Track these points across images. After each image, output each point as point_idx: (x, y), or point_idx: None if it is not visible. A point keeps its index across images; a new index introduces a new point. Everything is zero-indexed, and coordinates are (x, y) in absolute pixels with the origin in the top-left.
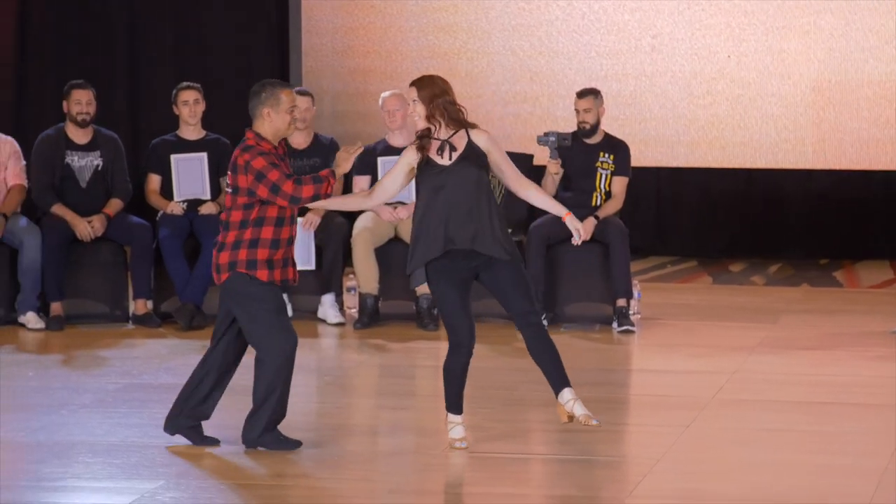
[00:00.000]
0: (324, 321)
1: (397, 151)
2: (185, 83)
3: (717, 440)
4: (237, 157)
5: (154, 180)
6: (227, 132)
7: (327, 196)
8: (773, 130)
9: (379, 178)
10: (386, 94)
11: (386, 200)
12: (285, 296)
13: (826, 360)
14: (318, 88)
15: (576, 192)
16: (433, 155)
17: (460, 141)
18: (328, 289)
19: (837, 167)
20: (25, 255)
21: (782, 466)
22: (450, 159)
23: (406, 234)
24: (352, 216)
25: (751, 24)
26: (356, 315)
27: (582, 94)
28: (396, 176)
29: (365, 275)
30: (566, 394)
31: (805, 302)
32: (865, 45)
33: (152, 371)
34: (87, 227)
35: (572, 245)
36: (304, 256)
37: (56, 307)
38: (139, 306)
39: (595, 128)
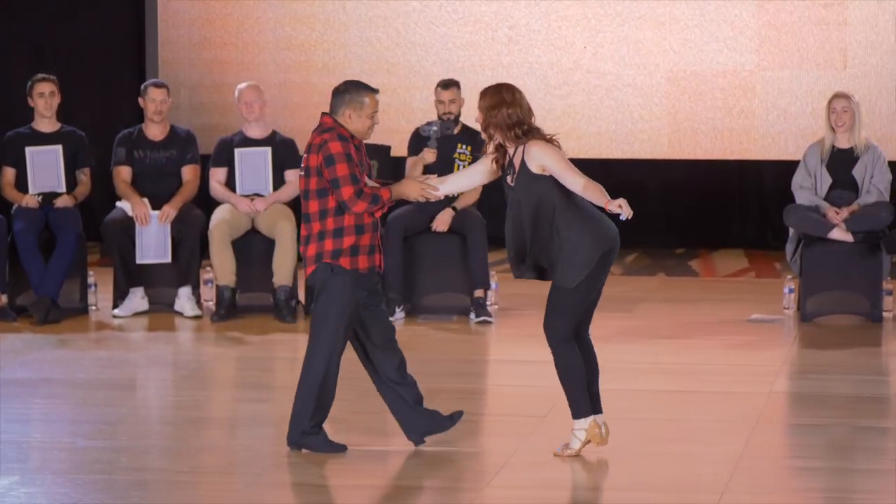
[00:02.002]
0: (181, 314)
1: (254, 143)
2: (40, 75)
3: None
4: (314, 137)
5: (8, 173)
6: (82, 124)
7: (376, 212)
8: (628, 121)
9: (236, 169)
10: (242, 85)
11: (453, 192)
12: (141, 289)
13: (683, 349)
14: (174, 80)
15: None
16: (505, 173)
17: (518, 159)
18: (185, 281)
19: (692, 157)
20: None
21: (639, 455)
22: (513, 179)
23: (264, 227)
24: (208, 209)
25: (607, 14)
26: (213, 307)
27: (446, 85)
28: (473, 172)
29: (222, 267)
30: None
31: (662, 291)
32: (720, 36)
33: (7, 365)
34: None
35: (430, 235)
36: (160, 249)
37: None
38: None
39: (456, 119)
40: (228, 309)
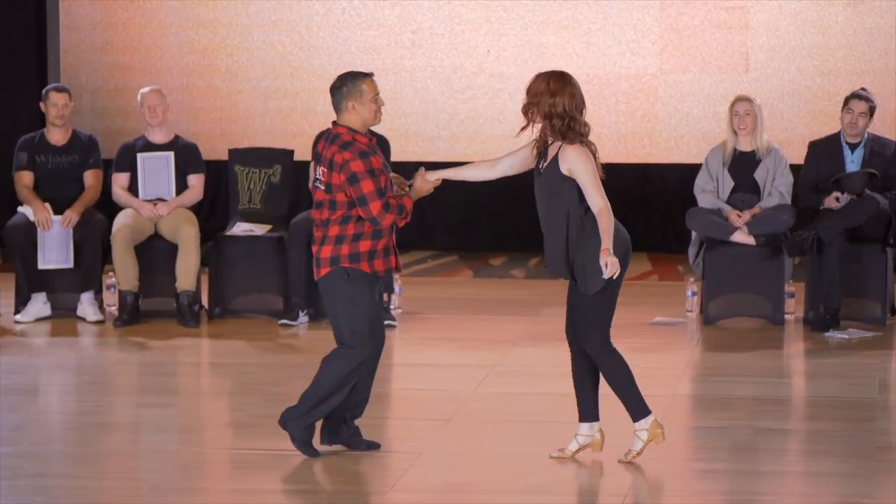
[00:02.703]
0: (83, 319)
1: (157, 147)
2: None
3: (478, 433)
4: (334, 155)
5: None
6: None
7: (403, 221)
8: None
9: (139, 174)
10: (145, 89)
11: (509, 172)
12: (43, 294)
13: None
14: (76, 84)
15: None
16: (538, 158)
17: (553, 151)
18: (87, 286)
19: None
20: None
21: (543, 459)
22: (542, 168)
23: (166, 232)
24: (111, 213)
25: (510, 18)
26: (116, 312)
27: None
28: (516, 157)
29: (125, 272)
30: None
31: (565, 294)
32: (623, 39)
33: None
34: None
35: None
36: (62, 254)
37: None
38: None
39: None
40: (131, 314)
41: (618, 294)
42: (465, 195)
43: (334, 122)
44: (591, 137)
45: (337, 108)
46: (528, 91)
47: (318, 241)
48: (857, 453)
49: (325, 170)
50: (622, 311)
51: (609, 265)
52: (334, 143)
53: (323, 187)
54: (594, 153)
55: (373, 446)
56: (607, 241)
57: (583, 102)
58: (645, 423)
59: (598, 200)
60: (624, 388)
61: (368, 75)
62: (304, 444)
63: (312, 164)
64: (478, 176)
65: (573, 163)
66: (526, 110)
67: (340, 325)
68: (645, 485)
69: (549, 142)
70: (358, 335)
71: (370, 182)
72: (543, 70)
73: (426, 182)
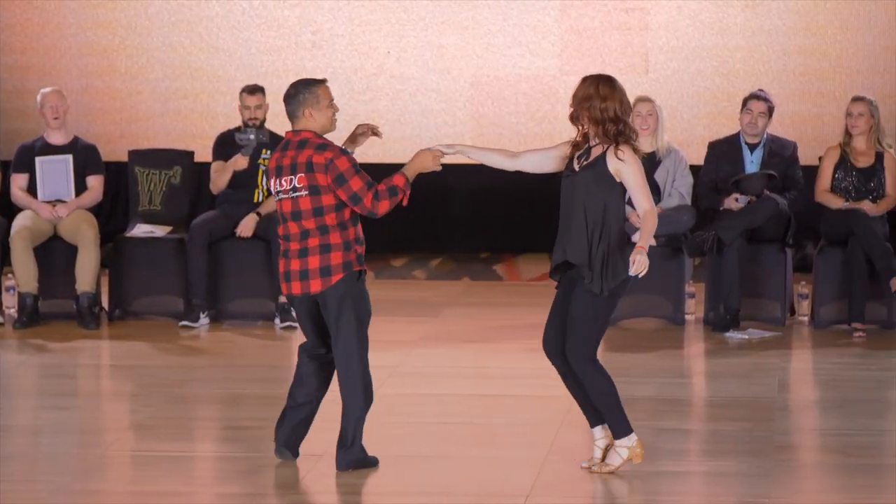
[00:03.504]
0: None
1: (56, 149)
2: None
3: (379, 434)
4: (312, 157)
5: None
6: None
7: (400, 203)
8: (433, 125)
9: (37, 176)
10: (46, 90)
11: (528, 169)
12: None
13: (488, 353)
14: None
15: (238, 188)
16: (574, 158)
17: (597, 152)
18: None
19: None
20: None
21: (445, 459)
22: (579, 167)
23: (66, 234)
24: (10, 215)
25: (410, 19)
26: (15, 315)
27: (252, 91)
28: (545, 155)
29: (24, 274)
30: (598, 431)
31: (466, 295)
32: (523, 41)
33: None
34: None
35: (234, 241)
36: None
37: None
38: None
39: (261, 125)
40: (31, 316)
41: (611, 315)
42: None
43: (293, 130)
44: (493, 137)
45: (293, 115)
46: (576, 96)
47: (310, 252)
48: (756, 453)
49: (303, 175)
50: (524, 312)
51: (637, 263)
52: (304, 147)
53: (304, 193)
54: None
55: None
56: (646, 241)
57: (630, 106)
58: (628, 440)
59: (645, 203)
60: (611, 408)
61: (322, 81)
62: (366, 459)
63: (273, 181)
64: (496, 162)
65: (626, 165)
66: (575, 116)
67: (348, 333)
68: (545, 485)
69: (593, 143)
70: (362, 340)
71: (357, 178)
72: (590, 74)
73: (429, 154)
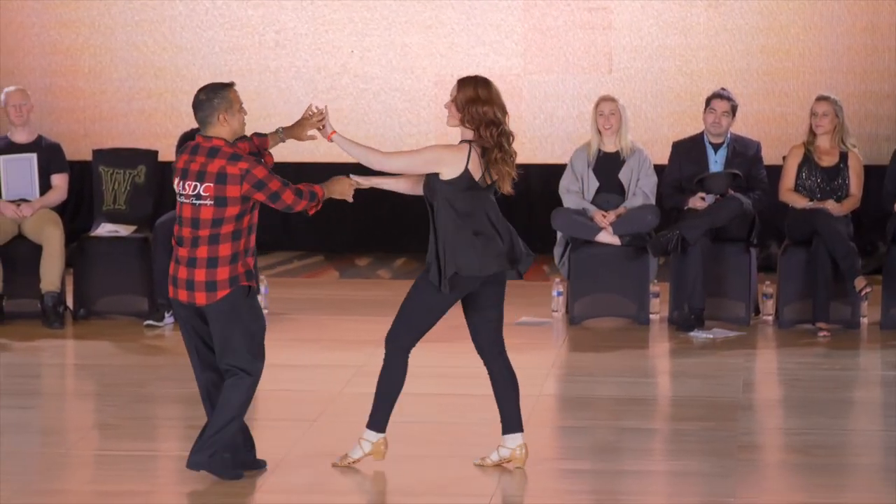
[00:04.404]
0: None
1: (19, 149)
2: None
3: (344, 433)
4: (224, 168)
5: None
6: None
7: (312, 209)
8: (396, 124)
9: (1, 175)
10: (10, 89)
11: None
12: None
13: (450, 352)
14: None
15: None
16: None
17: None
18: None
19: None
20: None
21: (407, 458)
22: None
23: (30, 233)
24: None
25: (374, 18)
26: None
27: None
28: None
29: None
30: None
31: None
32: (486, 40)
33: None
34: None
35: None
36: None
37: None
38: None
39: None
40: None
41: (443, 311)
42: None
43: (204, 136)
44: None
45: (206, 121)
46: (457, 100)
47: (198, 263)
48: (720, 453)
49: (211, 185)
50: None
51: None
52: (216, 156)
53: (209, 203)
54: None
55: (259, 465)
56: (348, 145)
57: (505, 109)
58: (374, 436)
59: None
60: (383, 398)
61: (232, 85)
62: (226, 469)
63: (177, 181)
64: (407, 189)
65: None
66: (462, 121)
67: (238, 347)
68: (510, 485)
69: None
70: (255, 355)
71: (275, 180)
72: (465, 76)
73: (346, 181)
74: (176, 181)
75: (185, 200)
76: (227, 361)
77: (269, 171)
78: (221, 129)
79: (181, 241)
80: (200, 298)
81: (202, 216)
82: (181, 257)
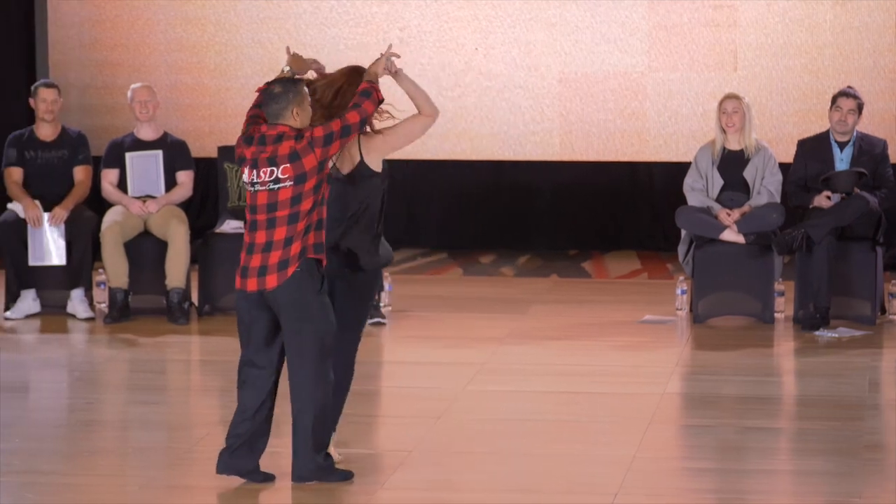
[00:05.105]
0: (73, 316)
1: (146, 145)
2: None
3: (467, 430)
4: (293, 147)
5: None
6: None
7: (380, 102)
8: (520, 122)
9: (127, 172)
10: (136, 85)
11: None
12: (33, 291)
13: (575, 350)
14: (64, 81)
15: None
16: None
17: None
18: (77, 283)
19: (584, 158)
20: None
21: (532, 456)
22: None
23: (156, 229)
24: (101, 210)
25: (498, 16)
26: (106, 310)
27: None
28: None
29: (114, 269)
30: None
31: (554, 292)
32: (610, 37)
33: None
34: None
35: None
36: (53, 251)
37: None
38: None
39: None
40: (121, 311)
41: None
42: (453, 193)
43: (270, 125)
44: (581, 135)
45: (279, 113)
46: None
47: (274, 246)
48: (845, 452)
49: (287, 165)
50: (611, 310)
51: None
52: (282, 140)
53: (288, 182)
54: None
55: (269, 478)
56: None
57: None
58: None
59: None
60: None
61: (303, 80)
62: (332, 473)
63: (248, 171)
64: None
65: None
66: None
67: (307, 346)
68: (634, 483)
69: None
70: (325, 356)
71: (333, 121)
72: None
73: (381, 60)
74: (246, 171)
75: (261, 188)
76: (294, 360)
77: (325, 123)
78: (293, 122)
79: (255, 226)
80: (272, 281)
81: (280, 198)
82: (257, 244)
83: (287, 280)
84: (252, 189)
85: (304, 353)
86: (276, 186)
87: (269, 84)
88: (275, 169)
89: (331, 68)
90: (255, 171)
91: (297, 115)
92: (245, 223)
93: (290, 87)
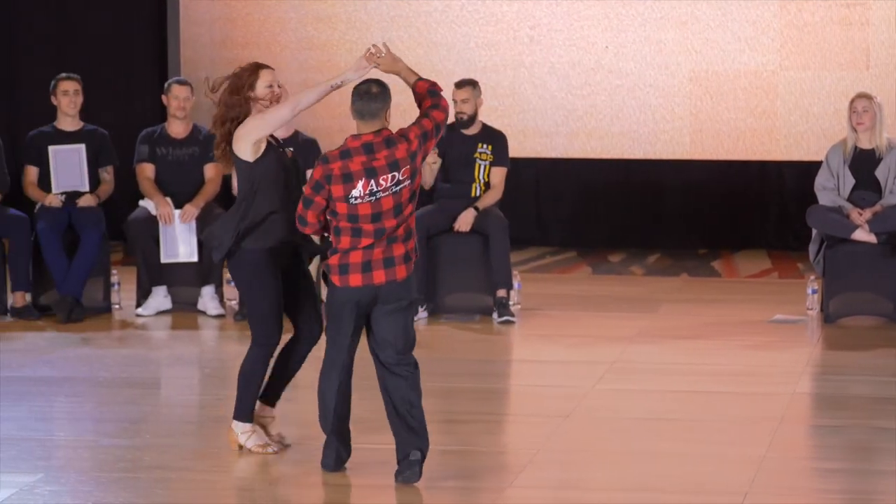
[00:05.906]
0: (204, 313)
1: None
2: (63, 74)
3: (596, 429)
4: (407, 148)
5: (31, 172)
6: (104, 123)
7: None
8: (650, 121)
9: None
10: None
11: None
12: (164, 288)
13: (704, 350)
14: (196, 79)
15: (455, 183)
16: None
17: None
18: (208, 280)
19: (715, 157)
20: None
21: (660, 455)
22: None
23: None
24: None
25: (628, 14)
26: (236, 307)
27: (460, 85)
28: None
29: None
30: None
31: (684, 291)
32: (742, 36)
33: (31, 364)
34: None
35: (452, 236)
36: (187, 248)
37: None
38: (17, 299)
39: (473, 118)
40: None
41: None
42: (582, 191)
43: (373, 132)
44: (711, 133)
45: (375, 114)
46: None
47: (399, 239)
48: None
49: (407, 167)
50: (741, 309)
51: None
52: (393, 143)
53: (407, 182)
54: None
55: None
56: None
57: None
58: (243, 426)
59: None
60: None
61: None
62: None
63: (363, 182)
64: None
65: None
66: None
67: (413, 338)
68: (763, 483)
69: None
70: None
71: (420, 122)
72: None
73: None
74: (360, 184)
75: (384, 194)
76: (404, 354)
77: (416, 125)
78: (385, 123)
79: (380, 234)
80: (401, 272)
81: (403, 198)
82: (398, 235)
83: (411, 272)
84: (373, 199)
85: (410, 345)
86: (398, 188)
87: (361, 83)
88: (396, 173)
89: (462, 67)
90: (372, 181)
91: (387, 119)
92: (348, 231)
93: (385, 87)
